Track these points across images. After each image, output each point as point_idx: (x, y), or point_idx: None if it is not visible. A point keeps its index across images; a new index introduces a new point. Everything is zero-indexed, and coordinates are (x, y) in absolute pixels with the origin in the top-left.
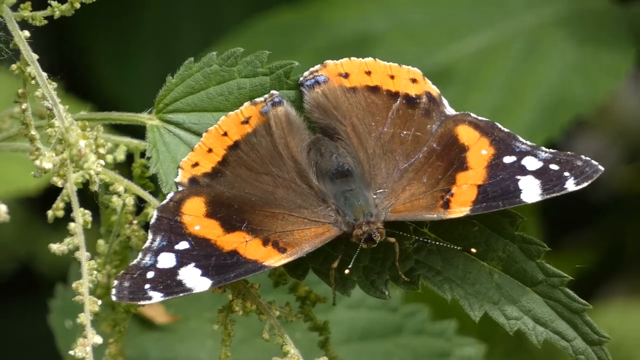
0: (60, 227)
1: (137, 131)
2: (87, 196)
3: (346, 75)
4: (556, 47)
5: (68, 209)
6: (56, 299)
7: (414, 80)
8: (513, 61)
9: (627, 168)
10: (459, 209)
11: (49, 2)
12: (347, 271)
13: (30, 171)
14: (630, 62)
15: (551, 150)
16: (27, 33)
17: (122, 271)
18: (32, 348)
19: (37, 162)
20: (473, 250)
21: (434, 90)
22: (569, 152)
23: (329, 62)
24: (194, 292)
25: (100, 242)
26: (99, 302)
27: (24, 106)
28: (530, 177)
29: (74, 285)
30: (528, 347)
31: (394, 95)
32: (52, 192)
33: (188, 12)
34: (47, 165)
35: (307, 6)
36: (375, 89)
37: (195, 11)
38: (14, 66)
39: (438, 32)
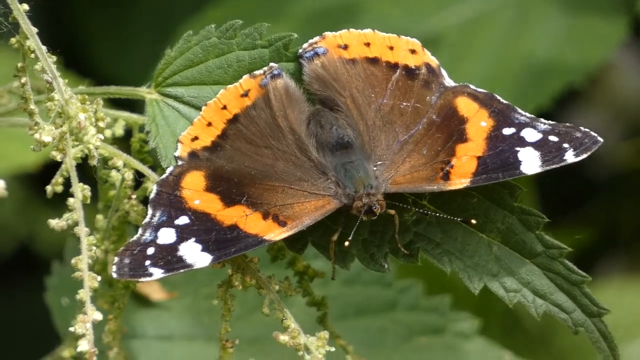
0: (60, 206)
1: (136, 106)
2: (86, 171)
3: (345, 47)
4: (547, 15)
5: (67, 185)
6: (52, 276)
7: (413, 51)
8: (503, 29)
9: (626, 144)
10: (459, 181)
11: None
12: (347, 243)
13: (28, 147)
14: (622, 30)
15: (550, 122)
16: (25, 6)
17: (122, 247)
18: (33, 327)
19: (37, 136)
20: (473, 221)
21: (433, 61)
22: (567, 124)
23: (327, 33)
24: (195, 267)
25: (99, 217)
26: (99, 278)
27: (23, 80)
28: (529, 149)
29: (73, 261)
30: (524, 325)
31: (393, 67)
32: (51, 171)
33: None
34: (47, 138)
35: None
36: (374, 61)
37: None
38: (13, 40)
39: (426, 0)
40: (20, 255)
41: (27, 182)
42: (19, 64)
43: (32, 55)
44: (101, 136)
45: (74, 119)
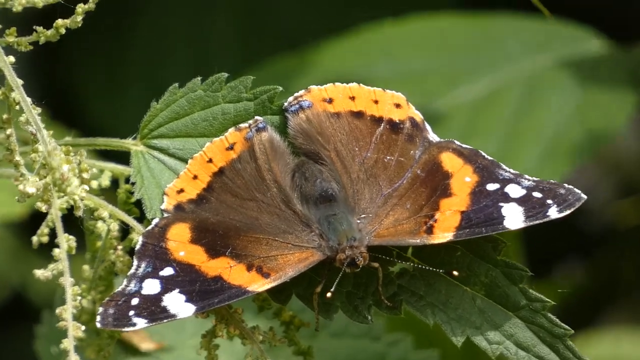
0: (52, 255)
1: (123, 157)
2: (72, 222)
3: (330, 101)
4: (556, 93)
5: (55, 235)
6: (42, 325)
7: (397, 105)
8: (512, 107)
9: (621, 202)
10: (443, 235)
11: (34, 27)
12: (329, 294)
13: (15, 197)
14: (630, 107)
15: (534, 179)
16: (12, 58)
17: (107, 298)
18: None
19: (21, 187)
20: (455, 273)
21: (418, 116)
22: (551, 181)
23: (313, 87)
24: (178, 318)
25: (86, 267)
26: (83, 327)
27: (8, 132)
28: (513, 204)
29: (57, 311)
30: None
31: (378, 120)
32: (41, 220)
33: (178, 44)
34: (31, 189)
35: (304, 53)
36: (359, 114)
37: (184, 43)
38: None
39: (437, 79)
40: (13, 303)
41: (18, 231)
42: (5, 116)
43: (17, 107)
44: (86, 187)
45: (57, 170)
